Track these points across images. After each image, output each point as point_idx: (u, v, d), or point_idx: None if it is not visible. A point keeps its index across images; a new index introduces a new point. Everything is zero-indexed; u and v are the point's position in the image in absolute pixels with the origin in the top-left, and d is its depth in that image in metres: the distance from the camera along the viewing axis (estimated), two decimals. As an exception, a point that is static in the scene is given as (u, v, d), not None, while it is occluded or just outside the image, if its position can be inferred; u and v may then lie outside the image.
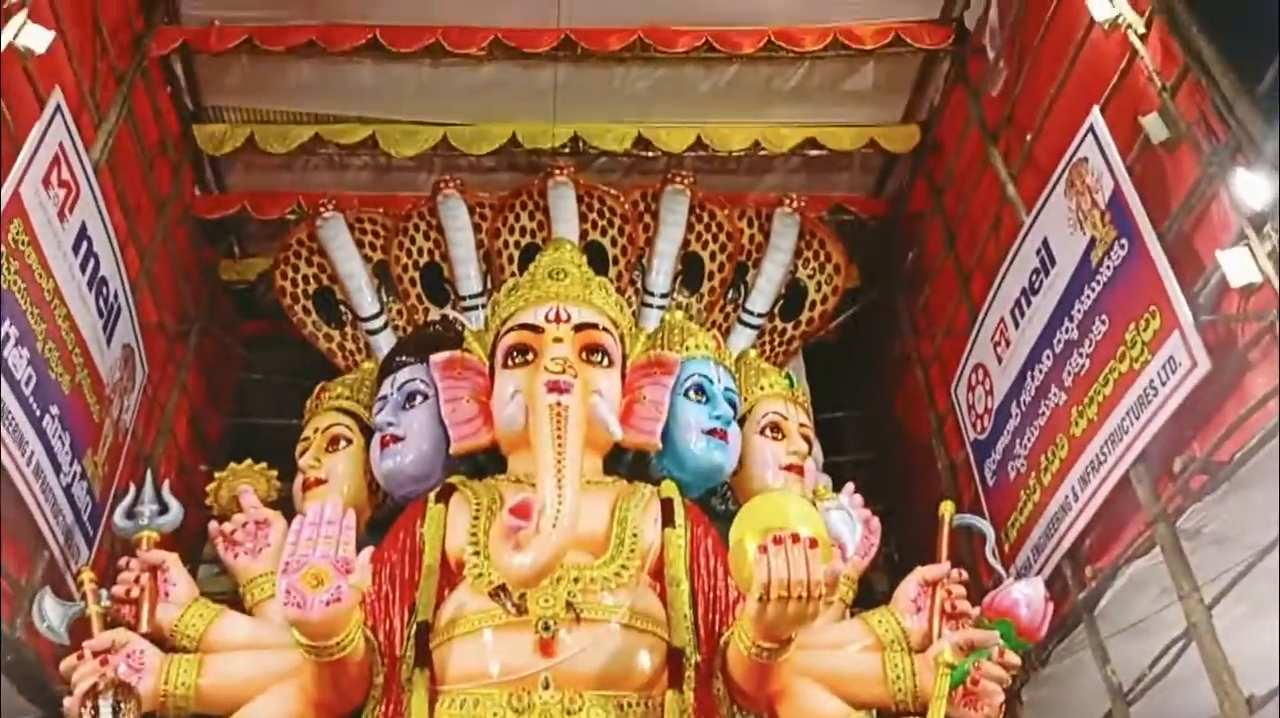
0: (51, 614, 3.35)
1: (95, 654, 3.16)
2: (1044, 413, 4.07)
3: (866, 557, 4.09)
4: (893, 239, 5.78)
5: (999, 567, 3.70)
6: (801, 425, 4.37)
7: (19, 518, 3.51)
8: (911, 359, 5.49)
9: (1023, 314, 4.24)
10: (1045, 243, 4.07)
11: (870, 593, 4.27)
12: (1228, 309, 3.18)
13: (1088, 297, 3.77)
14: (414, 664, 3.34)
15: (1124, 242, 3.55)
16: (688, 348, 4.32)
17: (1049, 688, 4.01)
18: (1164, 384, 3.33)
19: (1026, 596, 3.35)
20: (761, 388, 4.44)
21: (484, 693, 3.24)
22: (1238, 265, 3.04)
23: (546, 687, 3.21)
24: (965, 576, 3.58)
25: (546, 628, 3.25)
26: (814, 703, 3.27)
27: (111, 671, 3.11)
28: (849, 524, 3.78)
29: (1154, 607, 3.49)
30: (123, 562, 3.60)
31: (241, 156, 5.36)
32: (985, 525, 3.84)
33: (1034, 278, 4.14)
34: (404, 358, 4.29)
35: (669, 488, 3.82)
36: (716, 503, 4.19)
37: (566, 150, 5.28)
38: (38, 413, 3.53)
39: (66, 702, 3.10)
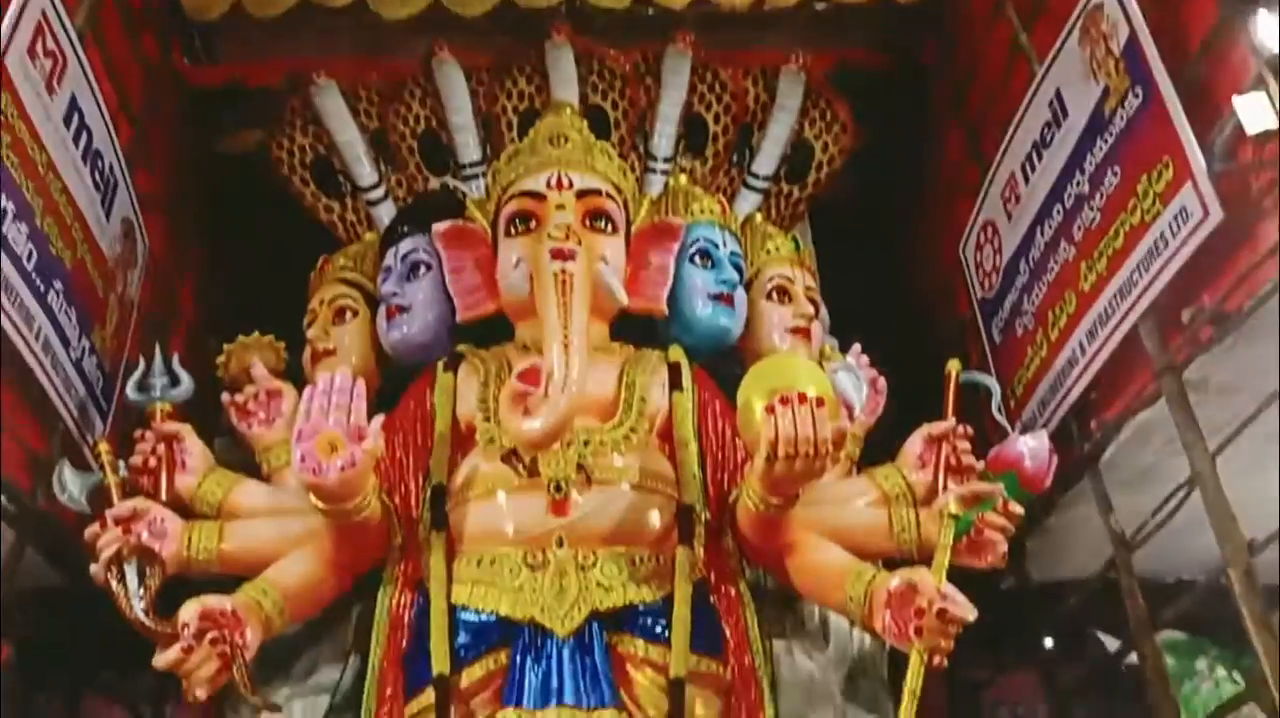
0: (71, 484, 3.41)
1: (117, 522, 3.22)
2: (1053, 269, 4.04)
3: (873, 415, 4.13)
4: (901, 96, 5.64)
5: (1005, 422, 3.73)
6: (808, 288, 4.35)
7: (32, 392, 3.54)
8: (919, 218, 5.43)
9: (1033, 169, 4.17)
10: (1058, 94, 3.98)
11: (876, 452, 4.30)
12: (1243, 159, 3.12)
13: (1100, 149, 3.70)
14: (430, 526, 3.42)
15: (1138, 90, 3.46)
16: (693, 213, 4.28)
17: (1052, 538, 4.10)
18: (1175, 235, 3.29)
19: (1031, 448, 3.39)
20: (768, 252, 4.41)
21: (500, 552, 3.32)
22: (1254, 111, 2.98)
23: (560, 545, 3.29)
24: (971, 431, 3.61)
25: (558, 489, 3.31)
26: (821, 555, 3.34)
27: (134, 537, 3.18)
28: (856, 384, 3.80)
29: (1158, 457, 3.54)
30: (138, 433, 3.64)
31: (229, 25, 5.19)
32: (991, 382, 3.86)
33: (1045, 131, 4.06)
34: (405, 228, 4.25)
35: (676, 353, 3.83)
36: (723, 368, 4.20)
37: (563, 10, 5.10)
38: (41, 289, 3.52)
39: (93, 568, 3.17)
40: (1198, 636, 4.37)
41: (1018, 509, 3.37)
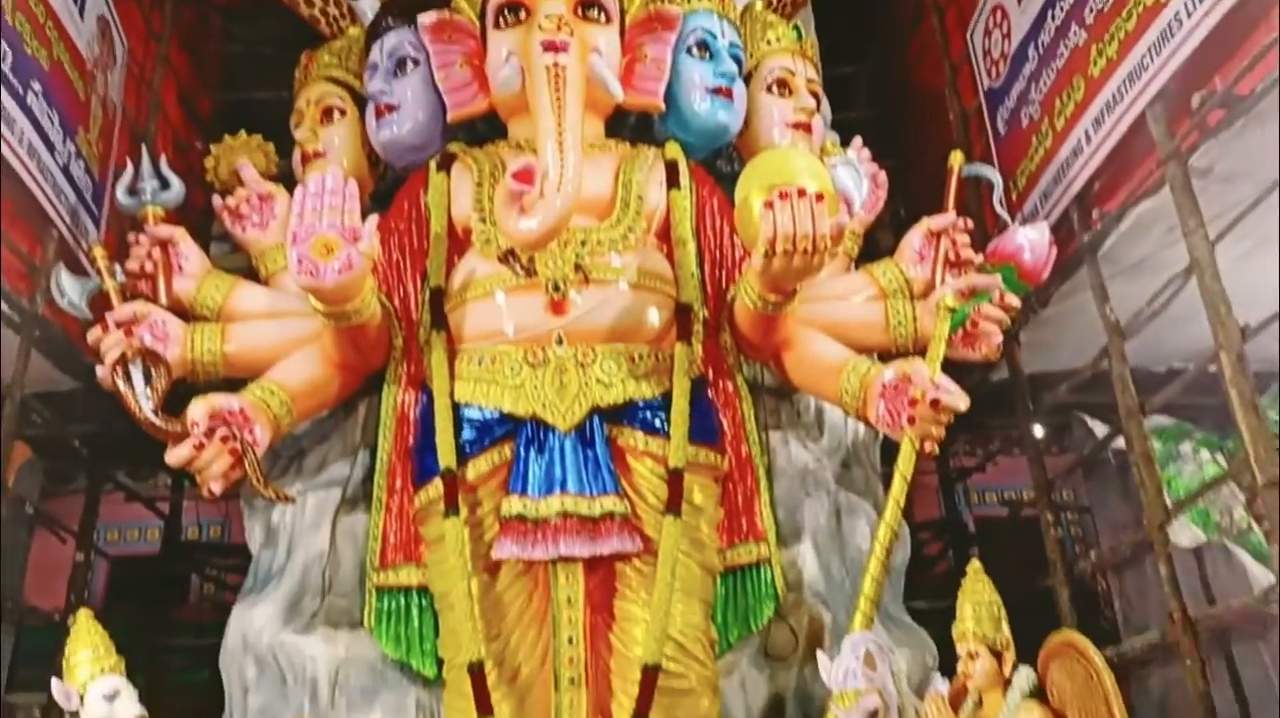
0: (70, 289, 3.41)
1: (118, 325, 3.24)
2: (1062, 54, 3.90)
3: (872, 211, 4.08)
4: None
5: (1005, 215, 3.69)
6: (809, 81, 4.19)
7: (21, 197, 3.49)
8: (927, 5, 5.20)
9: (1045, -52, 3.96)
10: None
11: (875, 248, 4.29)
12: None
13: (1115, -76, 3.51)
14: (430, 327, 3.43)
15: None
16: (690, 1, 4.08)
17: (1047, 329, 4.13)
18: (1189, 16, 3.16)
19: (1031, 240, 3.37)
20: (768, 42, 4.22)
21: (500, 350, 3.35)
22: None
23: (560, 343, 3.31)
24: (970, 224, 3.58)
25: (556, 289, 3.31)
26: (817, 349, 3.37)
27: (137, 340, 3.20)
28: (855, 179, 3.73)
29: (1157, 246, 3.52)
30: (132, 237, 3.61)
31: None
32: (994, 174, 3.79)
33: (1059, -93, 3.84)
34: (390, 21, 4.07)
35: (673, 149, 3.74)
36: (722, 164, 4.12)
37: None
38: (20, 89, 3.42)
39: (99, 371, 3.21)
40: (1184, 421, 4.47)
41: (1014, 301, 3.38)
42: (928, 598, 4.14)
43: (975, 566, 2.99)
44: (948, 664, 3.10)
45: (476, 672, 3.06)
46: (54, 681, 2.67)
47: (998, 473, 5.95)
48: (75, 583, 4.74)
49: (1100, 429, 4.29)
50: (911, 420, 2.95)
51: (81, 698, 2.65)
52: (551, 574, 3.21)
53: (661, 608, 3.11)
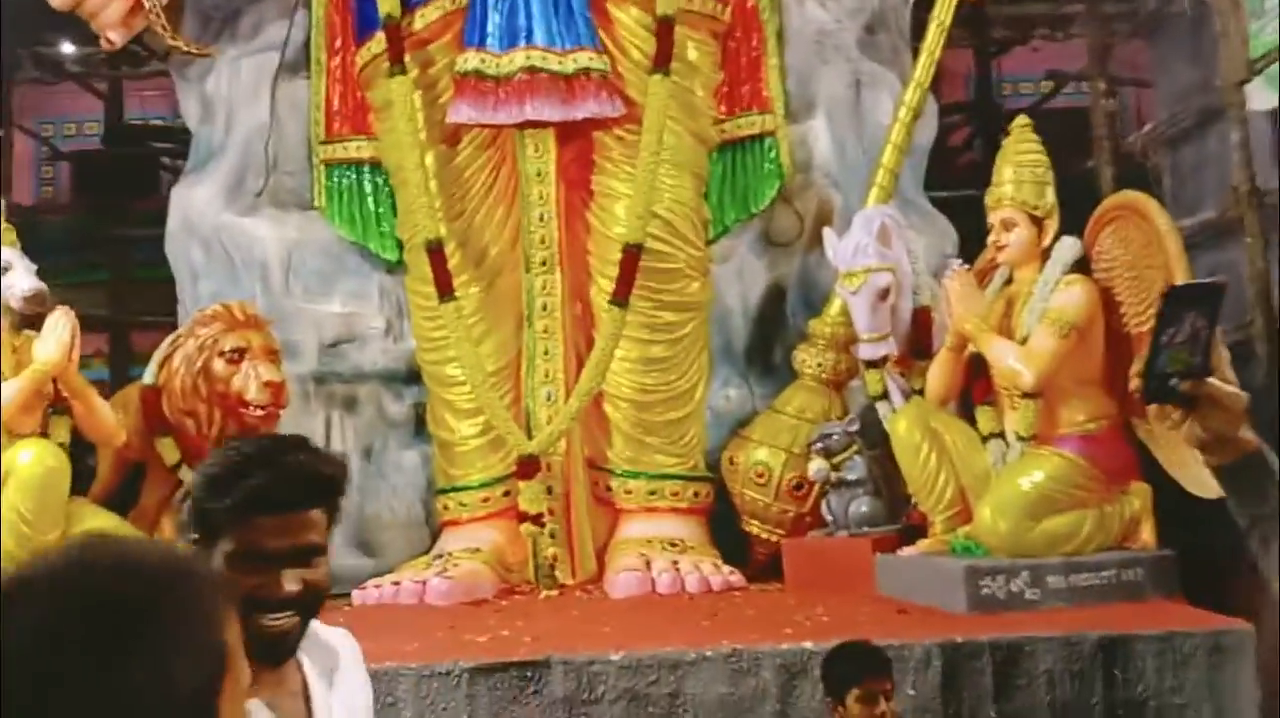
0: None
1: None
2: None
3: None
4: None
5: None
6: None
7: None
8: None
9: None
10: None
11: None
12: None
13: None
14: None
15: None
16: None
17: None
18: None
19: None
20: None
21: None
22: None
23: None
24: None
25: None
26: None
27: None
28: None
29: None
30: None
31: None
32: None
33: None
34: None
35: None
36: None
37: None
38: None
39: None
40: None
41: None
42: (951, 187, 3.76)
43: (1021, 121, 2.51)
44: (969, 256, 2.72)
45: (435, 251, 2.75)
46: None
47: (1035, 59, 5.31)
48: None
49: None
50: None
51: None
52: (519, 144, 2.80)
53: (646, 181, 2.71)
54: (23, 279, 2.27)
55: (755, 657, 1.88)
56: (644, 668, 1.90)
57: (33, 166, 5.94)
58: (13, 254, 2.31)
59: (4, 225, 2.36)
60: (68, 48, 4.46)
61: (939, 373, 2.41)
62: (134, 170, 4.95)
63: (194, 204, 3.27)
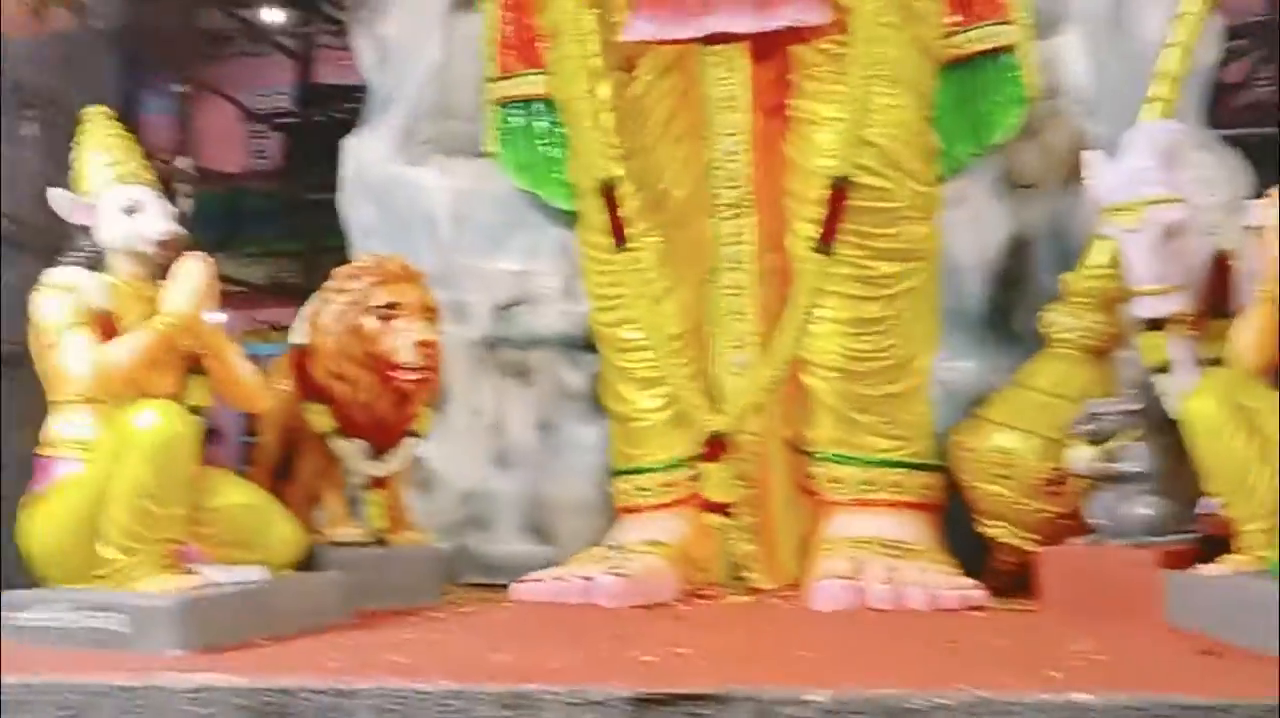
0: None
1: None
2: None
3: None
4: None
5: None
6: None
7: None
8: None
9: None
10: None
11: None
12: None
13: None
14: None
15: None
16: None
17: None
18: None
19: None
20: None
21: None
22: None
23: None
24: None
25: None
26: None
27: None
28: None
29: None
30: None
31: None
32: None
33: None
34: None
35: None
36: None
37: None
38: None
39: None
40: None
41: None
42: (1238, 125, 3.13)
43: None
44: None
45: (608, 194, 2.42)
46: (51, 191, 2.11)
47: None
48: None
49: None
50: None
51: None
52: (704, 67, 2.50)
53: (858, 101, 2.32)
54: (157, 221, 2.05)
55: (1009, 710, 1.39)
56: (852, 714, 1.45)
57: (240, 137, 6.15)
58: (147, 194, 2.10)
59: (137, 166, 2.15)
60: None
61: (1254, 333, 1.84)
62: (329, 136, 5.00)
63: (364, 156, 3.12)
